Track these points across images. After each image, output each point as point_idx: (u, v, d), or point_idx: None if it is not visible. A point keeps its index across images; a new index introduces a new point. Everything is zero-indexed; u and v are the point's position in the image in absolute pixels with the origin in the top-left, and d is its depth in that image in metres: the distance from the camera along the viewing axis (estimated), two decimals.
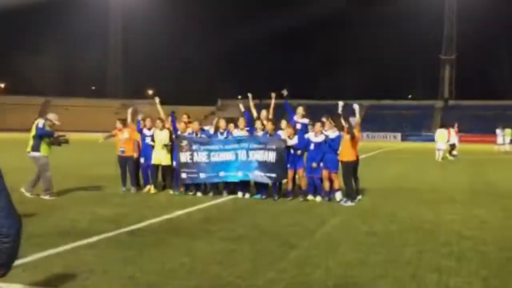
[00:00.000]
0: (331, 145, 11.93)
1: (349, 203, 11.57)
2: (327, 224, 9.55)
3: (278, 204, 11.71)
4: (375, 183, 15.32)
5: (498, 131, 40.39)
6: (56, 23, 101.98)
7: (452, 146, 29.80)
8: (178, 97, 77.30)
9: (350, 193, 11.74)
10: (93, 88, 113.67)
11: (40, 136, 11.96)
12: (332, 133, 12.08)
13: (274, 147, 12.06)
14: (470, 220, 10.20)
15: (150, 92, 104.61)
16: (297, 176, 12.33)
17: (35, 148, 12.03)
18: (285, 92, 13.36)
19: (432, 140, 69.60)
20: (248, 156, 12.29)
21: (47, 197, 11.84)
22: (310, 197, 12.11)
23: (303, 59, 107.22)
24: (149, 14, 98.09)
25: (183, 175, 12.71)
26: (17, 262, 6.79)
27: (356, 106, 12.24)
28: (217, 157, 12.52)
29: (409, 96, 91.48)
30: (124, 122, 13.57)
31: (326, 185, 12.05)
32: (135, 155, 13.26)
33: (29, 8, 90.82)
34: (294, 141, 12.03)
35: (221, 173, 12.54)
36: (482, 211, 11.14)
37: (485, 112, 76.01)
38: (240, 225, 9.26)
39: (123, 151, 13.20)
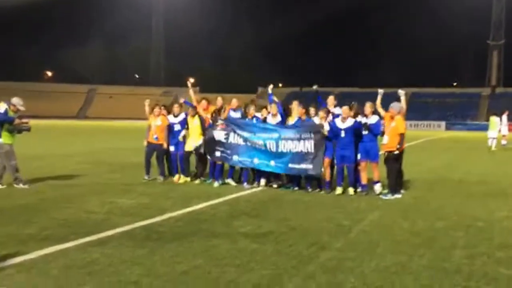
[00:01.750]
0: (372, 131, 10.91)
1: (391, 197, 10.56)
2: (364, 220, 8.59)
3: (311, 196, 10.79)
4: (418, 174, 14.17)
5: None
6: (101, 14, 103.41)
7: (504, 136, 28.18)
8: (219, 85, 76.90)
9: (393, 185, 10.71)
10: (136, 76, 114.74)
11: (0, 122, 10.99)
12: (373, 119, 11.06)
13: (309, 135, 11.17)
14: None
15: (192, 80, 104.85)
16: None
17: None
18: (315, 87, 12.91)
19: (479, 129, 67.32)
20: (281, 146, 11.42)
21: (23, 186, 11.12)
22: (338, 189, 11.11)
23: (344, 46, 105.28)
24: (190, 4, 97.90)
25: (217, 154, 12.09)
26: (13, 261, 6.20)
27: (401, 92, 11.23)
28: (252, 143, 11.74)
29: (454, 84, 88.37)
30: (163, 108, 12.94)
31: (364, 176, 11.05)
32: (165, 144, 12.55)
33: (74, 1, 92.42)
34: (325, 128, 11.08)
35: (255, 160, 11.74)
36: None
37: None
38: (266, 220, 8.42)
39: (157, 138, 12.50)
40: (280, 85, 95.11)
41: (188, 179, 12.48)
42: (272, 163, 11.58)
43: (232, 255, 6.39)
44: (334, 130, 11.01)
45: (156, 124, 12.52)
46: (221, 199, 10.28)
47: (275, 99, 12.57)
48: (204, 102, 12.84)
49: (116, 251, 6.50)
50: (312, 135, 11.17)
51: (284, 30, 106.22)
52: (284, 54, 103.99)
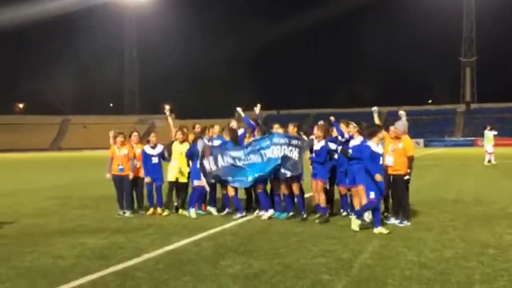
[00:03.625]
0: (355, 154, 10.03)
1: (406, 223, 9.76)
2: (364, 252, 7.74)
3: (302, 227, 9.91)
4: (411, 194, 13.37)
5: None
6: (72, 43, 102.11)
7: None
8: (196, 111, 76.08)
9: (407, 211, 9.91)
10: (110, 105, 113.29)
11: None
12: (356, 140, 10.26)
13: (296, 142, 10.50)
14: None
15: (168, 107, 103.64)
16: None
17: None
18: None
19: (457, 145, 67.44)
20: (270, 152, 10.62)
21: None
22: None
23: (319, 68, 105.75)
24: (163, 30, 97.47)
25: (213, 180, 11.26)
26: None
27: (402, 113, 10.72)
28: (243, 160, 10.95)
29: (430, 101, 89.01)
30: (125, 136, 11.95)
31: (356, 202, 10.20)
32: (131, 174, 11.61)
33: (45, 29, 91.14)
34: (318, 145, 10.34)
35: (249, 178, 10.84)
36: None
37: (509, 114, 73.50)
38: (257, 257, 7.51)
39: (122, 169, 11.54)
40: (259, 106, 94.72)
41: (167, 212, 11.56)
42: (250, 178, 10.75)
43: None
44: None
45: (122, 153, 11.56)
46: (204, 234, 9.34)
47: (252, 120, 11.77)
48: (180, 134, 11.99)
49: None
50: (299, 144, 10.46)
51: (260, 54, 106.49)
52: (260, 76, 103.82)
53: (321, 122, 10.82)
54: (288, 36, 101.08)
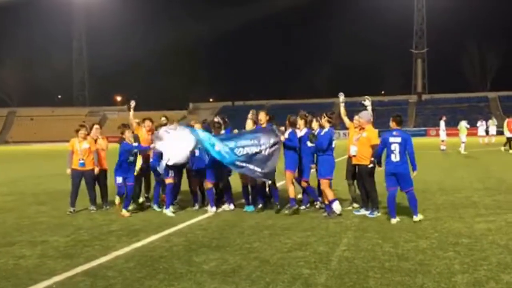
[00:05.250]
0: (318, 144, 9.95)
1: (377, 214, 9.68)
2: (340, 244, 7.61)
3: (273, 219, 9.72)
4: (378, 184, 13.37)
5: (479, 122, 40.04)
6: (17, 33, 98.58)
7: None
8: (148, 103, 74.70)
9: (376, 200, 9.82)
10: (59, 96, 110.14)
11: None
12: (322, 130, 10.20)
13: (269, 139, 10.14)
14: (509, 228, 8.43)
15: (119, 98, 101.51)
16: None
17: None
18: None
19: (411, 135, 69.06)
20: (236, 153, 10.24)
21: None
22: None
23: (273, 59, 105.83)
24: (113, 20, 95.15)
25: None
26: None
27: (367, 101, 10.56)
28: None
29: (382, 92, 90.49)
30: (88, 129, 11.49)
31: (325, 194, 10.04)
32: (96, 169, 11.15)
33: None
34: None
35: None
36: None
37: (459, 104, 75.53)
38: (232, 252, 7.27)
39: (83, 164, 11.03)
40: (211, 100, 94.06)
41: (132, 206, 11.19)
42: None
43: None
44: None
45: (83, 147, 11.05)
46: (172, 229, 9.02)
47: None
48: (148, 123, 11.67)
49: None
50: (272, 140, 10.14)
51: (213, 45, 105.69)
52: (214, 67, 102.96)
53: (302, 112, 10.67)
54: (243, 27, 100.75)
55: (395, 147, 9.00)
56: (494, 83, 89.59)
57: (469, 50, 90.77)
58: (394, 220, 9.03)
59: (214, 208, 10.64)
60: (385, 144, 9.15)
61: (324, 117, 10.18)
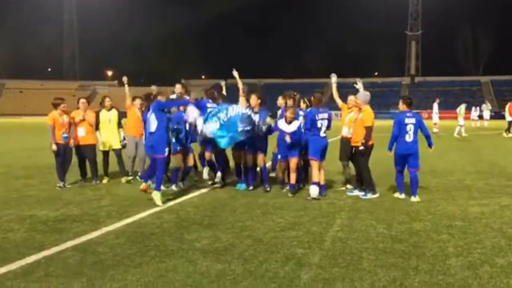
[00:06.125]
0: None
1: (370, 196, 9.58)
2: (334, 225, 7.54)
3: (266, 198, 9.64)
4: (372, 165, 13.30)
5: (473, 109, 40.31)
6: (6, 4, 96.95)
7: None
8: (139, 78, 74.09)
9: (370, 183, 9.71)
10: (49, 69, 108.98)
11: None
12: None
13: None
14: (502, 212, 8.40)
15: (110, 73, 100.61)
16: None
17: None
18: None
19: None
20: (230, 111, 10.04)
21: None
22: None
23: (267, 38, 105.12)
24: None
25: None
26: None
27: (359, 83, 10.38)
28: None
29: (375, 74, 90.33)
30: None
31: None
32: (72, 142, 10.98)
33: None
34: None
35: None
36: (508, 200, 9.38)
37: (452, 88, 75.63)
38: (225, 230, 7.18)
39: (66, 138, 10.77)
40: (203, 77, 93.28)
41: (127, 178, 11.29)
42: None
43: (195, 282, 5.12)
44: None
45: (65, 121, 10.74)
46: (165, 206, 8.91)
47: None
48: (138, 101, 11.73)
49: (44, 285, 5.06)
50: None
51: (208, 18, 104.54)
52: (207, 44, 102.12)
53: (290, 92, 10.62)
54: (236, 6, 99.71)
55: (410, 128, 9.29)
56: (486, 67, 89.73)
57: (463, 33, 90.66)
58: (402, 195, 9.46)
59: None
60: (400, 125, 9.23)
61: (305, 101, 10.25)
